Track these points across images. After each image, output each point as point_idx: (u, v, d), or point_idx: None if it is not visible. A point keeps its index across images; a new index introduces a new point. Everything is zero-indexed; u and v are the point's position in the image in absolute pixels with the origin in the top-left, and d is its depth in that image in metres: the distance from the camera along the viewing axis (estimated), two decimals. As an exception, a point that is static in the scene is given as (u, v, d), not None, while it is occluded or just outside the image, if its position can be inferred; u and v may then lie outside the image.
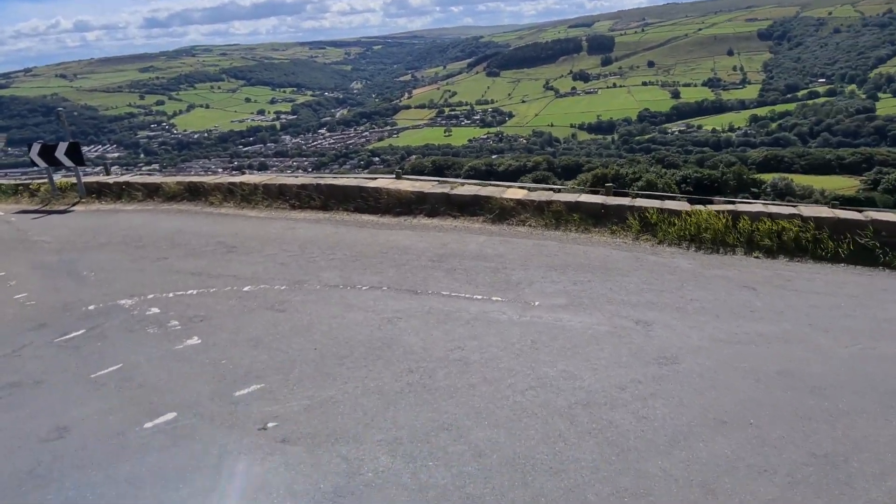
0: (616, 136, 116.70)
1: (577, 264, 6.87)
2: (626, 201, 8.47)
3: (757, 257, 7.24)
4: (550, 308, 5.68)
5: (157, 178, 12.23)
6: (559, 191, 9.83)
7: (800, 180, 43.76)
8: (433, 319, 5.47)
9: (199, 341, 5.16)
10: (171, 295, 6.28)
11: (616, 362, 4.69)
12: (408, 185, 9.68)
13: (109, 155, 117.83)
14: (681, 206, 8.22)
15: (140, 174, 17.61)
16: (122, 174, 14.53)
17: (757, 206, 7.95)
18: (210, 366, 4.72)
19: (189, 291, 6.36)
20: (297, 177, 11.60)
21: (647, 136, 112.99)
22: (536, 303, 5.81)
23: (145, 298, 6.21)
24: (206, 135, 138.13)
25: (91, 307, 6.07)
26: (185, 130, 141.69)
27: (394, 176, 10.34)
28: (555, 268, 6.75)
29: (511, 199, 8.80)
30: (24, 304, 6.29)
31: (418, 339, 5.08)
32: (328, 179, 10.42)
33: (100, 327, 5.55)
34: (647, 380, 4.43)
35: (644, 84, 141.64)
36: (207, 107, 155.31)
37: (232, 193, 10.54)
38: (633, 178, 27.52)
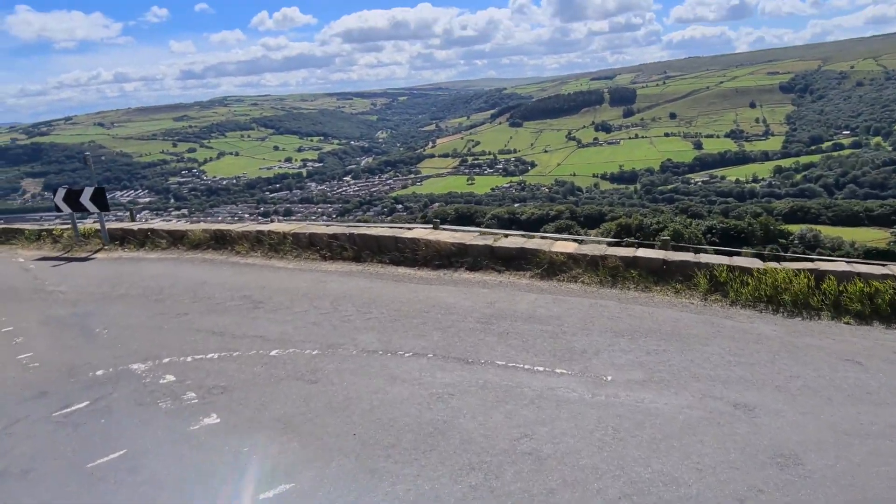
0: (638, 186, 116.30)
1: (645, 329, 6.03)
2: (689, 257, 7.66)
3: (848, 323, 6.33)
4: (627, 385, 4.83)
5: (182, 226, 11.77)
6: (611, 244, 9.05)
7: (827, 232, 42.30)
8: (491, 397, 4.64)
9: (219, 420, 4.39)
10: (189, 359, 5.56)
11: (724, 461, 3.80)
12: (447, 236, 9.00)
13: (141, 200, 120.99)
14: (752, 262, 7.39)
15: (167, 219, 17.37)
16: (148, 220, 14.18)
17: (841, 265, 7.06)
18: (230, 455, 3.93)
19: (209, 355, 5.64)
20: (327, 225, 11.03)
21: (669, 187, 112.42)
22: (609, 377, 4.96)
23: (160, 363, 5.50)
24: (234, 181, 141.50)
25: (99, 372, 5.36)
26: (214, 177, 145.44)
27: (431, 226, 9.68)
28: (621, 333, 5.91)
29: (561, 253, 8.04)
30: (27, 365, 5.63)
31: (476, 424, 4.25)
32: (361, 229, 9.79)
33: (106, 399, 4.82)
34: (770, 488, 3.53)
35: (666, 135, 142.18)
36: (237, 154, 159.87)
37: (259, 242, 9.98)
38: (658, 227, 26.68)
